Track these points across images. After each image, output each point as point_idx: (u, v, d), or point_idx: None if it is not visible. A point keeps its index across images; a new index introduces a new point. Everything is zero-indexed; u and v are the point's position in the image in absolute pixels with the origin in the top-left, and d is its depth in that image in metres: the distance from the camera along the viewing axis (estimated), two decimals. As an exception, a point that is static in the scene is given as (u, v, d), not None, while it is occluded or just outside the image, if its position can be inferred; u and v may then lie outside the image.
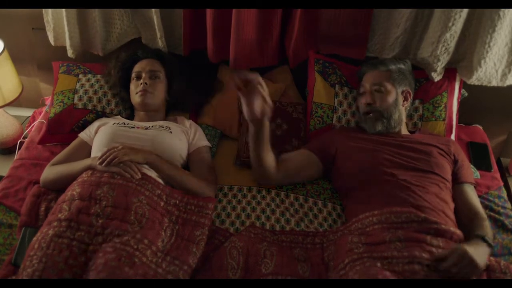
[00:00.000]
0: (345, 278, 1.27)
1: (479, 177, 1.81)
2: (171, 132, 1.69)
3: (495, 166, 1.91)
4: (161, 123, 1.76)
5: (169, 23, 1.95)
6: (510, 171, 2.14)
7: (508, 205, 1.70)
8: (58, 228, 1.29)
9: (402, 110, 1.73)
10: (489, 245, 1.37)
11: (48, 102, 2.13)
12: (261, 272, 1.34)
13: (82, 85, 1.92)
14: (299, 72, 2.01)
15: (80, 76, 1.95)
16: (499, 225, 1.61)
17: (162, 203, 1.46)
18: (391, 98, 1.70)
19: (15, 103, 2.01)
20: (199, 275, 1.34)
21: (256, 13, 1.80)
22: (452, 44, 1.75)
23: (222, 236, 1.50)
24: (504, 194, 1.76)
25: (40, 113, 2.10)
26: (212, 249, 1.44)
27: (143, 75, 1.77)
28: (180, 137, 1.71)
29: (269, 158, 1.60)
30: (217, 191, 1.67)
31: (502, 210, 1.66)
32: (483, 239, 1.37)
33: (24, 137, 2.08)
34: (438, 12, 1.70)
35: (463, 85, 1.95)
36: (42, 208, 1.51)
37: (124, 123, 1.72)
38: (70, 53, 1.98)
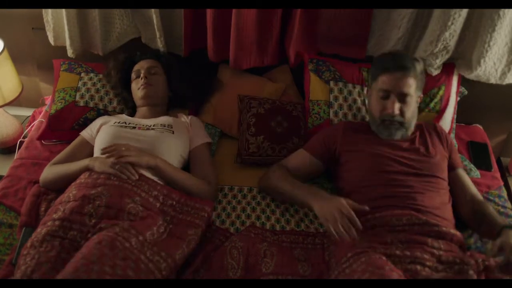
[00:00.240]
0: (349, 271, 1.26)
1: (479, 176, 1.81)
2: (173, 132, 1.69)
3: (495, 166, 1.91)
4: (163, 119, 1.75)
5: (169, 23, 1.95)
6: (510, 171, 2.14)
7: (508, 204, 1.70)
8: (51, 227, 1.30)
9: (416, 116, 1.64)
10: None
11: (48, 101, 2.12)
12: (261, 271, 1.34)
13: (84, 83, 1.92)
14: (299, 72, 2.01)
15: (83, 74, 1.95)
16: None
17: (158, 204, 1.46)
18: (413, 107, 1.58)
19: (15, 102, 2.01)
20: (199, 275, 1.34)
21: (256, 13, 1.80)
22: (451, 43, 1.76)
23: (222, 236, 1.50)
24: (504, 193, 1.76)
25: (40, 113, 2.10)
26: (212, 249, 1.44)
27: (142, 72, 1.79)
28: (182, 136, 1.71)
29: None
30: (218, 191, 1.67)
31: (502, 210, 1.66)
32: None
33: (24, 137, 2.08)
34: (438, 12, 1.70)
35: (463, 83, 1.96)
36: (42, 208, 1.51)
37: (126, 122, 1.71)
38: (70, 52, 1.98)
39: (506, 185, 1.95)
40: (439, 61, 1.81)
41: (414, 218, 1.39)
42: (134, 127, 1.69)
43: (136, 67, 1.84)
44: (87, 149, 1.69)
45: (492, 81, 1.83)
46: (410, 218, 1.39)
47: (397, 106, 1.54)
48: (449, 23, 1.68)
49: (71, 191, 1.43)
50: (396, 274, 1.19)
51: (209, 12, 1.84)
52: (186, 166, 1.71)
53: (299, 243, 1.49)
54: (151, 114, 1.80)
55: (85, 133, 1.74)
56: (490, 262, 1.34)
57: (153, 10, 1.84)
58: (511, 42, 1.74)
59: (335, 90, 1.89)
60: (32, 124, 2.06)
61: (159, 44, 1.94)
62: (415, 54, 1.85)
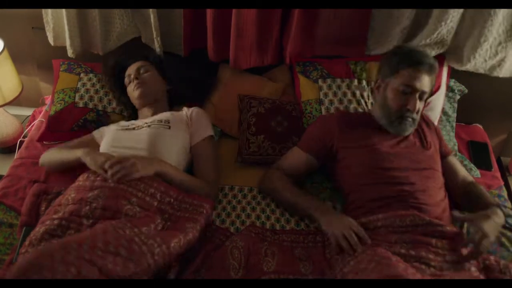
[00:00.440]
0: (354, 262, 1.27)
1: (479, 176, 1.81)
2: (169, 127, 1.67)
3: (495, 165, 1.91)
4: (161, 115, 1.74)
5: (168, 23, 1.95)
6: (510, 170, 2.14)
7: (508, 204, 1.69)
8: (49, 226, 1.31)
9: None
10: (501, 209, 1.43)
11: (48, 101, 2.13)
12: (263, 271, 1.33)
13: (84, 84, 1.92)
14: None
15: (82, 75, 1.95)
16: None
17: (155, 203, 1.45)
18: (423, 106, 1.61)
19: (15, 102, 2.01)
20: (201, 275, 1.34)
21: (256, 13, 1.80)
22: (448, 39, 1.77)
23: (222, 235, 1.50)
24: (504, 193, 1.76)
25: (40, 112, 2.10)
26: (212, 248, 1.43)
27: (133, 74, 1.79)
28: (180, 131, 1.68)
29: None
30: (219, 188, 1.67)
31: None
32: (498, 206, 1.43)
33: (24, 136, 2.08)
34: (436, 10, 1.71)
35: (463, 82, 1.96)
36: (42, 208, 1.51)
37: (127, 126, 1.72)
38: (70, 52, 1.98)
39: (506, 184, 1.94)
40: (434, 53, 1.82)
41: (417, 218, 1.39)
42: (133, 129, 1.69)
43: (127, 72, 1.83)
44: (93, 147, 1.71)
45: (481, 71, 1.85)
46: (413, 219, 1.39)
47: (418, 104, 1.53)
48: (448, 21, 1.69)
49: (70, 194, 1.43)
50: (403, 265, 1.19)
51: (209, 12, 1.84)
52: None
53: (300, 242, 1.49)
54: (152, 112, 1.79)
55: (97, 135, 1.77)
56: (491, 261, 1.34)
57: (150, 10, 1.83)
58: (505, 41, 1.74)
59: (324, 87, 1.90)
60: (32, 124, 2.06)
61: (156, 44, 1.94)
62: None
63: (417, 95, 1.52)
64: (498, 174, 1.87)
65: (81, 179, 1.48)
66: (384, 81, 1.59)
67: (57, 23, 1.95)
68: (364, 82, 1.90)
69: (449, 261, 1.32)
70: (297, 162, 1.67)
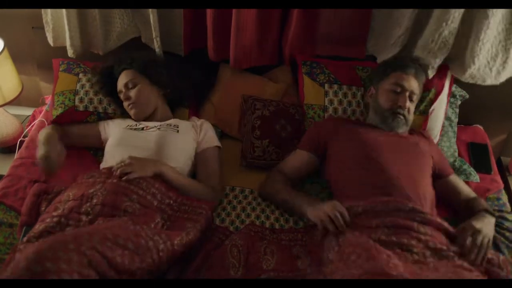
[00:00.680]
0: (338, 250, 1.28)
1: (478, 181, 1.80)
2: (178, 131, 1.69)
3: (495, 168, 1.90)
4: (171, 121, 1.76)
5: (169, 22, 1.95)
6: (510, 170, 2.14)
7: (505, 208, 1.69)
8: (49, 223, 1.32)
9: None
10: (493, 215, 1.45)
11: (48, 101, 2.12)
12: (262, 269, 1.34)
13: (83, 86, 1.91)
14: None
15: (81, 75, 1.94)
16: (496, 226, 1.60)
17: (155, 202, 1.46)
18: (413, 109, 1.72)
19: (15, 102, 2.01)
20: (201, 274, 1.34)
21: (256, 12, 1.79)
22: (450, 41, 1.76)
23: (222, 234, 1.50)
24: (503, 196, 1.75)
25: (40, 112, 2.10)
26: (212, 247, 1.43)
27: (123, 91, 1.78)
28: (187, 136, 1.70)
29: None
30: (223, 196, 1.67)
31: (498, 213, 1.64)
32: (487, 211, 1.46)
33: (24, 136, 2.08)
34: (437, 10, 1.70)
35: (463, 86, 1.95)
36: (43, 208, 1.51)
37: (136, 125, 1.74)
38: (70, 52, 1.98)
39: (506, 184, 1.95)
40: (438, 60, 1.81)
41: (400, 204, 1.40)
42: (142, 129, 1.70)
43: (118, 87, 1.81)
44: (94, 140, 1.79)
45: (488, 82, 1.83)
46: (396, 205, 1.40)
47: (408, 102, 1.66)
48: (449, 21, 1.68)
49: (71, 190, 1.44)
50: (385, 256, 1.19)
51: (209, 12, 1.84)
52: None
53: (298, 240, 1.49)
54: (156, 118, 1.80)
55: (101, 125, 1.81)
56: (490, 254, 1.35)
57: (150, 10, 1.83)
58: (504, 40, 1.74)
59: (330, 93, 1.88)
60: (33, 124, 2.06)
61: (156, 44, 1.94)
62: (414, 52, 1.85)
63: (407, 94, 1.65)
64: (498, 178, 1.87)
65: (84, 177, 1.49)
66: (375, 87, 1.75)
67: (57, 23, 1.95)
68: (363, 92, 1.89)
69: (432, 248, 1.31)
70: (298, 163, 1.69)
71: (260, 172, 1.76)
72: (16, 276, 1.03)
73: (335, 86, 1.88)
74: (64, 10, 1.85)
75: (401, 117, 1.65)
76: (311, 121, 1.85)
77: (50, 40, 2.00)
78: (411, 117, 1.70)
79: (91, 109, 1.87)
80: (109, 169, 1.49)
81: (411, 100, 1.67)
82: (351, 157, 1.59)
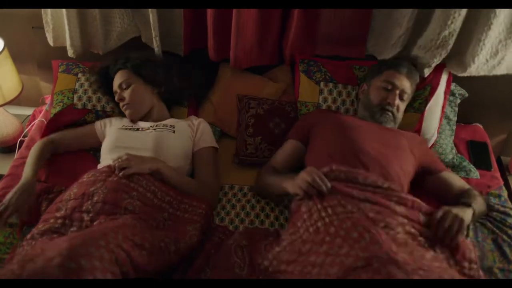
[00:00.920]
0: (335, 227, 1.25)
1: (478, 177, 1.80)
2: (174, 131, 1.69)
3: (495, 165, 1.90)
4: (167, 121, 1.76)
5: (168, 23, 1.95)
6: (510, 170, 2.14)
7: (508, 204, 1.69)
8: (53, 224, 1.32)
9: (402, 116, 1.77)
10: (473, 209, 1.42)
11: (48, 100, 2.12)
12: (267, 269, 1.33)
13: (82, 85, 1.92)
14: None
15: (80, 75, 1.95)
16: (498, 223, 1.60)
17: (155, 200, 1.46)
18: (404, 108, 1.76)
19: (15, 101, 2.01)
20: (206, 274, 1.33)
21: (256, 12, 1.80)
22: (450, 42, 1.76)
23: (222, 233, 1.50)
24: (504, 193, 1.75)
25: (40, 112, 2.10)
26: (213, 246, 1.43)
27: (118, 92, 1.78)
28: (184, 135, 1.70)
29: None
30: (218, 196, 1.67)
31: (501, 209, 1.65)
32: (466, 203, 1.43)
33: (24, 136, 2.08)
34: (438, 11, 1.70)
35: (463, 84, 1.95)
36: (43, 208, 1.51)
37: (131, 126, 1.74)
38: (70, 52, 1.98)
39: (507, 184, 1.94)
40: (436, 60, 1.81)
41: (379, 181, 1.41)
42: (137, 129, 1.70)
43: (113, 87, 1.81)
44: (91, 140, 1.78)
45: (481, 73, 1.85)
46: (375, 181, 1.41)
47: (397, 100, 1.70)
48: (449, 22, 1.68)
49: (73, 190, 1.44)
50: (383, 235, 1.19)
51: (209, 12, 1.84)
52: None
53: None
54: (152, 118, 1.80)
55: (98, 125, 1.80)
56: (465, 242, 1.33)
57: (149, 10, 1.83)
58: (505, 39, 1.74)
59: (325, 91, 1.89)
60: (33, 124, 2.06)
61: (155, 44, 1.94)
62: (413, 51, 1.85)
63: (397, 92, 1.69)
64: (498, 174, 1.87)
65: (85, 176, 1.49)
66: (368, 84, 1.79)
67: (57, 24, 1.95)
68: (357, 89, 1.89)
69: (408, 232, 1.29)
70: (286, 152, 1.70)
71: (257, 169, 1.74)
72: (51, 273, 0.99)
73: (330, 85, 1.89)
74: (64, 10, 1.85)
75: (389, 113, 1.69)
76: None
77: (50, 40, 2.00)
78: (400, 115, 1.73)
79: (89, 107, 1.88)
80: (109, 167, 1.49)
81: (401, 99, 1.71)
82: (328, 139, 1.60)
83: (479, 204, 1.48)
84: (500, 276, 1.42)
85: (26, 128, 2.11)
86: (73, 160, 1.75)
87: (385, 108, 1.69)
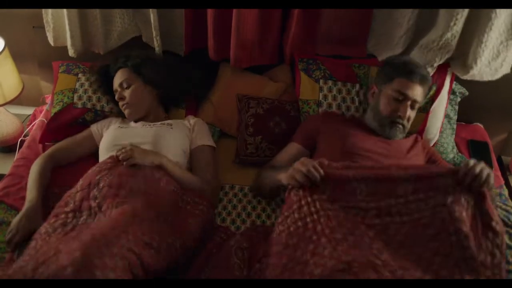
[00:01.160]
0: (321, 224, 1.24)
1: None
2: (171, 128, 1.70)
3: (495, 165, 1.91)
4: (164, 121, 1.77)
5: (169, 22, 1.95)
6: (510, 169, 2.14)
7: (509, 202, 1.70)
8: (65, 219, 1.33)
9: None
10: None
11: (48, 100, 2.13)
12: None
13: (82, 84, 1.92)
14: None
15: (80, 75, 1.95)
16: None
17: (161, 184, 1.46)
18: (414, 115, 1.68)
19: (16, 101, 2.01)
20: (205, 274, 1.33)
21: (257, 12, 1.80)
22: (453, 43, 1.76)
23: (223, 234, 1.50)
24: (505, 192, 1.76)
25: (41, 112, 2.10)
26: (214, 247, 1.43)
27: (118, 90, 1.78)
28: (181, 133, 1.71)
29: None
30: (219, 194, 1.67)
31: (503, 207, 1.65)
32: None
33: (25, 135, 2.08)
34: (441, 11, 1.71)
35: (463, 84, 1.95)
36: (50, 203, 1.51)
37: (128, 126, 1.74)
38: (71, 52, 1.98)
39: (507, 183, 1.95)
40: (438, 60, 1.81)
41: (376, 165, 1.40)
42: (136, 126, 1.71)
43: (113, 86, 1.81)
44: (90, 144, 1.76)
45: (485, 78, 1.84)
46: (372, 164, 1.40)
47: (408, 111, 1.61)
48: (452, 24, 1.68)
49: (79, 183, 1.45)
50: (366, 237, 1.18)
51: (209, 12, 1.84)
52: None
53: None
54: (148, 120, 1.80)
55: (94, 128, 1.79)
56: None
57: (150, 10, 1.83)
58: (506, 40, 1.74)
59: (325, 89, 1.89)
60: (33, 123, 2.06)
61: (156, 44, 1.94)
62: (415, 51, 1.85)
63: (408, 103, 1.60)
64: (499, 173, 1.87)
65: (90, 170, 1.50)
66: (378, 88, 1.70)
67: (57, 23, 1.95)
68: (365, 89, 1.89)
69: (413, 201, 1.26)
70: (288, 155, 1.68)
71: (255, 169, 1.75)
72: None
73: (330, 82, 1.89)
74: (65, 10, 1.85)
75: (400, 126, 1.62)
76: (306, 115, 1.86)
77: (51, 40, 2.00)
78: (410, 124, 1.66)
79: (89, 106, 1.88)
80: (112, 158, 1.49)
81: (412, 108, 1.63)
82: (333, 150, 1.57)
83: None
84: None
85: (27, 127, 2.11)
86: (76, 163, 1.75)
87: (395, 121, 1.61)
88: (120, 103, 1.78)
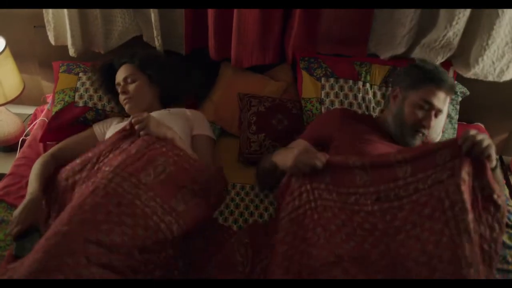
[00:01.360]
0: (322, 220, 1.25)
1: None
2: (169, 112, 1.71)
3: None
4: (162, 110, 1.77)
5: (170, 22, 1.95)
6: (511, 169, 2.14)
7: (510, 202, 1.69)
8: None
9: None
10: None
11: (49, 99, 2.13)
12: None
13: (83, 83, 1.92)
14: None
15: (81, 74, 1.95)
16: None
17: (181, 153, 1.44)
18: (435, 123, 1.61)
19: (17, 101, 2.02)
20: (208, 272, 1.33)
21: (257, 12, 1.80)
22: (455, 42, 1.76)
23: (226, 233, 1.50)
24: (506, 191, 1.75)
25: (42, 111, 2.11)
26: (216, 246, 1.43)
27: (121, 84, 1.77)
28: (179, 119, 1.70)
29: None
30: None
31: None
32: None
33: (26, 135, 2.08)
34: (443, 12, 1.70)
35: (464, 83, 1.95)
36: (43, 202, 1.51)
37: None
38: (71, 52, 1.98)
39: (508, 183, 1.94)
40: (440, 59, 1.81)
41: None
42: None
43: (116, 79, 1.80)
44: (92, 143, 1.71)
45: (490, 78, 1.84)
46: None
47: (433, 121, 1.54)
48: (454, 23, 1.68)
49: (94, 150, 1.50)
50: (362, 229, 1.21)
51: (210, 12, 1.84)
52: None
53: None
54: None
55: (97, 128, 1.79)
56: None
57: (151, 9, 1.83)
58: (511, 41, 1.74)
59: (327, 87, 1.89)
60: (34, 123, 2.06)
61: (157, 43, 1.94)
62: (417, 50, 1.85)
63: (433, 113, 1.53)
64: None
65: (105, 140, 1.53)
66: (403, 93, 1.59)
67: (58, 23, 1.95)
68: (367, 85, 1.89)
69: (413, 183, 1.24)
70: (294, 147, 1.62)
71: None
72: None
73: (332, 80, 1.90)
74: (65, 9, 1.86)
75: (421, 135, 1.55)
76: (309, 113, 1.87)
77: (52, 39, 2.00)
78: (430, 131, 1.59)
79: (90, 105, 1.88)
80: (130, 125, 1.48)
81: (435, 117, 1.55)
82: (345, 152, 1.52)
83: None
84: (499, 276, 1.42)
85: (28, 127, 2.11)
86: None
87: (418, 130, 1.54)
88: (122, 97, 1.77)
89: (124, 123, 1.75)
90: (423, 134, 1.56)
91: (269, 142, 1.79)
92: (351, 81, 1.89)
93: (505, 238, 1.53)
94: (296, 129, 1.82)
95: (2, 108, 2.05)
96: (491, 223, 1.20)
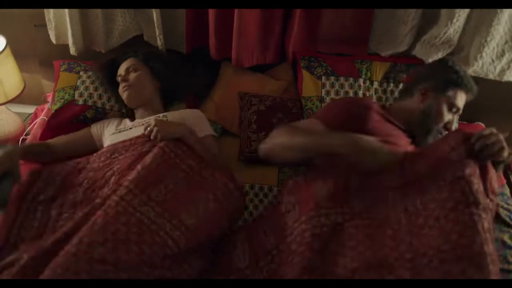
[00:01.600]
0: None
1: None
2: (166, 118, 1.67)
3: (496, 164, 1.90)
4: (158, 115, 1.73)
5: (171, 21, 1.95)
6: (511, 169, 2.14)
7: (511, 201, 1.70)
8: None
9: None
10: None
11: (50, 99, 2.13)
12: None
13: (83, 82, 1.92)
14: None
15: (81, 73, 1.95)
16: (501, 221, 1.60)
17: (198, 178, 1.40)
18: None
19: (17, 100, 2.02)
20: (208, 272, 1.33)
21: (258, 13, 1.80)
22: (455, 39, 1.77)
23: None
24: (506, 191, 1.76)
25: (42, 110, 2.11)
26: (216, 245, 1.43)
27: (123, 74, 1.77)
28: (178, 119, 1.67)
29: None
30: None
31: (505, 206, 1.65)
32: None
33: (26, 134, 2.08)
34: (443, 9, 1.71)
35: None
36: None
37: (124, 128, 1.71)
38: (72, 50, 1.98)
39: (508, 182, 1.95)
40: (440, 55, 1.82)
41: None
42: (130, 128, 1.68)
43: (118, 71, 1.81)
44: (88, 144, 1.73)
45: (491, 77, 1.84)
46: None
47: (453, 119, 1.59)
48: (455, 20, 1.69)
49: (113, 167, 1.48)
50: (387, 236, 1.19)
51: (211, 11, 1.84)
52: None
53: None
54: (148, 113, 1.78)
55: (94, 128, 1.78)
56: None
57: (153, 9, 1.84)
58: (511, 40, 1.74)
59: (327, 85, 1.90)
60: (35, 122, 2.06)
61: (159, 42, 1.94)
62: (417, 47, 1.85)
63: (456, 116, 1.60)
64: (500, 173, 1.86)
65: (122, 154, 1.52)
66: (435, 94, 1.57)
67: (59, 22, 1.95)
68: (368, 82, 1.90)
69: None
70: (306, 126, 1.53)
71: (260, 167, 1.74)
72: None
73: (332, 78, 1.90)
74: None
75: (440, 134, 1.57)
76: (310, 112, 1.86)
77: (53, 38, 2.00)
78: None
79: (90, 103, 1.88)
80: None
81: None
82: None
83: None
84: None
85: (28, 126, 2.11)
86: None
87: (440, 130, 1.57)
88: (122, 85, 1.76)
89: (124, 124, 1.76)
90: (441, 133, 1.57)
91: (269, 141, 1.79)
92: (351, 79, 1.89)
93: (505, 238, 1.54)
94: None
95: (3, 107, 2.05)
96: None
